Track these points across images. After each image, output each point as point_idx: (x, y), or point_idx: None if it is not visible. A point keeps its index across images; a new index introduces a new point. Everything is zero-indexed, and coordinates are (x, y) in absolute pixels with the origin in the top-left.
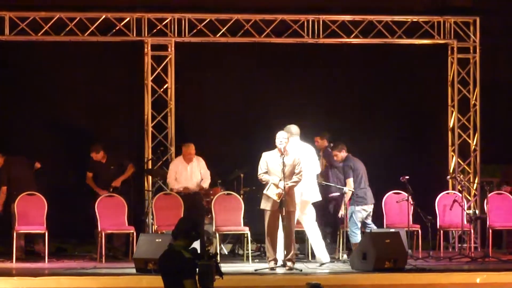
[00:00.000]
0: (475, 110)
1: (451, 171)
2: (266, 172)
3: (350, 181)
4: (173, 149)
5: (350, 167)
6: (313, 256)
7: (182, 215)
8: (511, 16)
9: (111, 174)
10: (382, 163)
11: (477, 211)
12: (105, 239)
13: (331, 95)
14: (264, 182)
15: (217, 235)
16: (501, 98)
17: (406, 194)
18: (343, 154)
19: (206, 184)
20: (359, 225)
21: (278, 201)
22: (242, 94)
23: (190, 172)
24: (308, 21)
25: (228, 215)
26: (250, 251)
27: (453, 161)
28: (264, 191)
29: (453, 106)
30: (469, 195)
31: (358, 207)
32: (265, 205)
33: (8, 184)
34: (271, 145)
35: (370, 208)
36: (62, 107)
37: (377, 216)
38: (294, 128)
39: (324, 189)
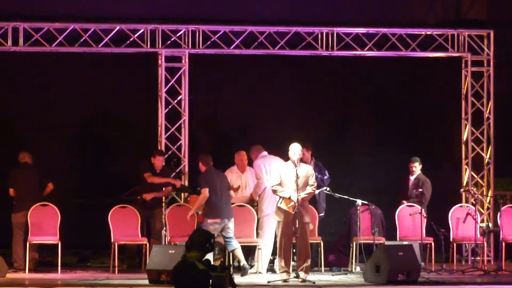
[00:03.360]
0: (488, 123)
1: (464, 184)
2: (280, 184)
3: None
4: (186, 160)
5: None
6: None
7: (195, 227)
8: None
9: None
10: (395, 176)
11: (490, 224)
12: (118, 250)
13: (344, 107)
14: (277, 194)
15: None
16: None
17: (420, 207)
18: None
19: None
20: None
21: (293, 213)
22: (256, 106)
23: (245, 181)
24: (322, 33)
25: (241, 227)
26: (263, 263)
27: (467, 174)
28: (278, 204)
29: (466, 119)
30: (482, 208)
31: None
32: (278, 217)
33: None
34: (287, 157)
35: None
36: (76, 118)
37: (391, 229)
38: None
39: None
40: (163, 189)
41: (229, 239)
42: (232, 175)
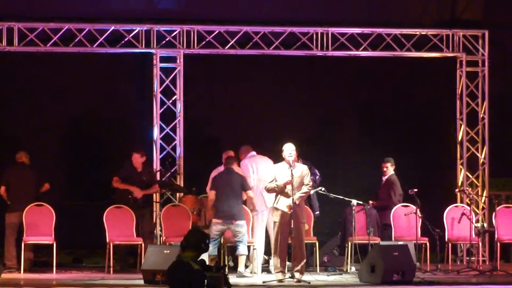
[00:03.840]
0: (483, 123)
1: (459, 184)
2: (272, 182)
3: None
4: (181, 160)
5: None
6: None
7: (190, 227)
8: None
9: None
10: None
11: (485, 224)
12: (113, 250)
13: (339, 107)
14: (270, 191)
15: (225, 247)
16: (510, 111)
17: (415, 207)
18: None
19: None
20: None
21: (289, 213)
22: (251, 106)
23: None
24: (317, 33)
25: None
26: (259, 263)
27: (462, 174)
28: (274, 204)
29: (461, 119)
30: (478, 208)
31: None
32: (274, 217)
33: (7, 191)
34: (280, 157)
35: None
36: (71, 118)
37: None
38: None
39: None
40: (152, 186)
41: (238, 243)
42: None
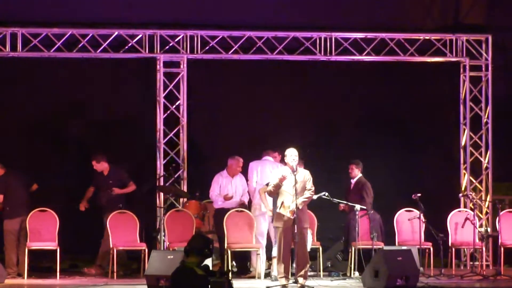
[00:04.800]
0: (487, 128)
1: (463, 189)
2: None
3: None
4: (185, 165)
5: None
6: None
7: (194, 232)
8: None
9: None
10: (394, 181)
11: (489, 229)
12: (116, 255)
13: (342, 112)
14: (270, 194)
15: (229, 252)
16: None
17: (418, 212)
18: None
19: (246, 198)
20: None
21: (292, 218)
22: (254, 111)
23: (235, 186)
24: (320, 38)
25: (240, 232)
26: (263, 268)
27: (465, 179)
28: (277, 210)
29: (465, 124)
30: (481, 213)
31: None
32: (277, 222)
33: (4, 198)
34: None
35: None
36: (75, 124)
37: (389, 234)
38: None
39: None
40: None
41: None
42: (223, 180)
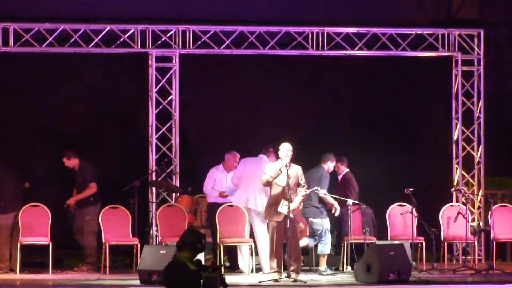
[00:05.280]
0: (479, 122)
1: (455, 183)
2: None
3: None
4: (177, 160)
5: None
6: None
7: (186, 227)
8: None
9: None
10: (386, 175)
11: (481, 223)
12: (109, 250)
13: (335, 107)
14: (266, 184)
15: (221, 246)
16: (506, 110)
17: (410, 206)
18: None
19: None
20: None
21: (291, 215)
22: (246, 105)
23: (229, 181)
24: (312, 33)
25: (232, 227)
26: (254, 263)
27: (457, 173)
28: (278, 209)
29: (457, 119)
30: (473, 207)
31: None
32: (269, 217)
33: None
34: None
35: None
36: (66, 119)
37: (381, 228)
38: None
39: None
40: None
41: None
42: (218, 174)
